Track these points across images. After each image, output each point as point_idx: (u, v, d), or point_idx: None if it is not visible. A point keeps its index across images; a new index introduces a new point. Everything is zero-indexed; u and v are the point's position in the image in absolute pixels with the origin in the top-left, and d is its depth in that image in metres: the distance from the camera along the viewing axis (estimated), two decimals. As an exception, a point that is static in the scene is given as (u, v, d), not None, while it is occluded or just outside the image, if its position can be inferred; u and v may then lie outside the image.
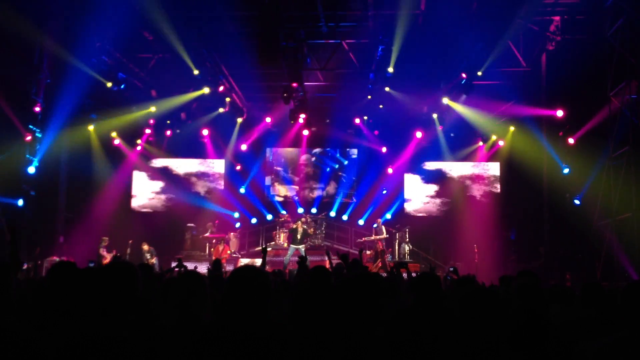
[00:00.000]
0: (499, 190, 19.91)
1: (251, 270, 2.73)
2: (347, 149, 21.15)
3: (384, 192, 20.15)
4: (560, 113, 15.61)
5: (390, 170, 20.22)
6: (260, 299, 2.61)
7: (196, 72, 16.02)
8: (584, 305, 4.45)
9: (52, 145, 15.19)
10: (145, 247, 16.21)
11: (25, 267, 12.57)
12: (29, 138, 14.52)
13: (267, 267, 10.95)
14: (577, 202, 15.21)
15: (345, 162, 21.29)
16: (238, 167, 20.61)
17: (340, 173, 21.23)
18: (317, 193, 21.04)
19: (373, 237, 17.57)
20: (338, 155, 21.21)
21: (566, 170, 15.82)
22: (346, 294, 2.70)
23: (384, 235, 17.62)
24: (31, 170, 14.52)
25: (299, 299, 2.84)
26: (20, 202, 14.13)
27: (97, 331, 2.57)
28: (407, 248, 18.11)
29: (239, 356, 2.44)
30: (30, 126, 14.59)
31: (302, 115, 17.69)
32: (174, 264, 8.74)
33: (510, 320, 3.39)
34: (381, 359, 2.72)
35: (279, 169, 21.26)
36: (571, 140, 15.73)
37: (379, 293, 2.80)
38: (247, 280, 2.65)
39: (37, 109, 14.62)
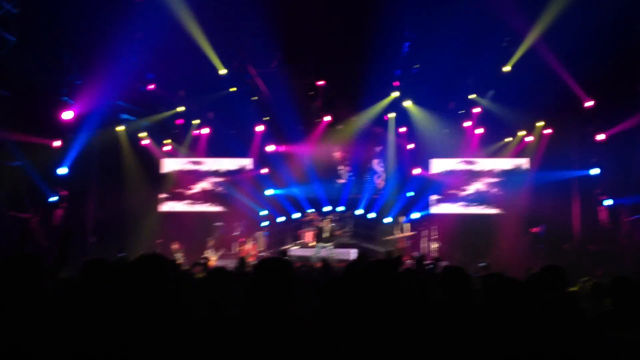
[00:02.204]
0: (528, 186, 19.65)
1: (276, 261, 2.77)
2: (374, 146, 21.05)
3: (411, 194, 20.00)
4: (589, 103, 15.39)
5: (417, 171, 20.08)
6: (285, 289, 2.64)
7: (223, 71, 16.16)
8: (614, 299, 4.40)
9: (82, 147, 15.42)
10: (175, 246, 16.42)
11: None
12: (59, 141, 14.74)
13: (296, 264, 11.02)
14: (609, 202, 14.98)
15: (372, 160, 21.20)
16: (265, 170, 20.64)
17: (367, 170, 21.15)
18: (345, 188, 20.98)
19: (398, 235, 17.51)
20: (365, 152, 21.10)
21: (595, 171, 15.61)
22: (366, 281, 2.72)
23: (409, 233, 17.56)
24: (62, 171, 14.76)
25: (327, 292, 2.87)
26: (53, 199, 14.41)
27: (131, 327, 2.63)
28: (434, 246, 18.05)
29: (265, 347, 2.47)
30: (62, 128, 14.83)
31: (329, 113, 17.71)
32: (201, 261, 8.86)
33: (537, 312, 3.38)
34: (410, 351, 2.73)
35: (305, 167, 21.26)
36: (601, 137, 15.50)
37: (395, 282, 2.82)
38: (273, 271, 2.68)
39: (69, 110, 14.85)
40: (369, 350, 2.57)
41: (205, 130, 19.97)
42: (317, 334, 2.59)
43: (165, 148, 20.21)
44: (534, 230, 17.61)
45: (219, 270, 3.76)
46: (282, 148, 20.60)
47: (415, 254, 16.90)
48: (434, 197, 20.19)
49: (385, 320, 2.69)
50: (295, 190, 20.22)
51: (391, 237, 18.08)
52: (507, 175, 19.77)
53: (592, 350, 3.38)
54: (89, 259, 4.14)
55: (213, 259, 16.03)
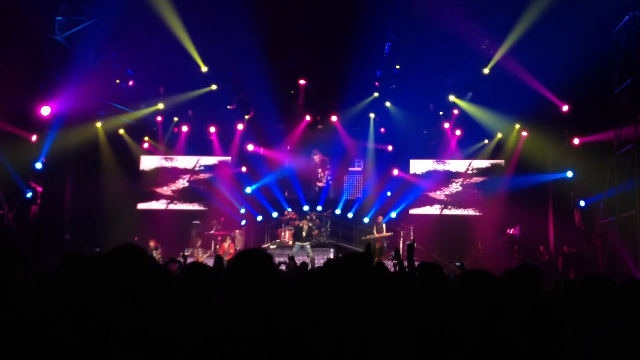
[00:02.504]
0: (503, 188, 19.85)
1: (255, 252, 2.77)
2: (354, 146, 21.10)
3: (389, 194, 20.13)
4: (565, 108, 15.62)
5: (395, 172, 20.21)
6: (264, 281, 2.64)
7: (204, 69, 16.12)
8: (584, 297, 4.49)
9: (59, 142, 15.25)
10: (152, 244, 16.34)
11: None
12: (35, 137, 14.57)
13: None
14: (582, 203, 15.22)
15: (353, 160, 21.28)
16: (244, 169, 20.63)
17: (346, 170, 21.23)
18: (324, 190, 21.03)
19: (376, 235, 17.60)
20: (345, 152, 21.16)
21: (570, 174, 15.85)
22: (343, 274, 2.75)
23: (386, 233, 17.67)
24: (38, 165, 14.60)
25: (305, 285, 2.89)
26: (29, 195, 14.25)
27: (109, 321, 2.63)
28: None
29: (244, 339, 2.49)
30: (39, 122, 14.66)
31: (310, 113, 17.76)
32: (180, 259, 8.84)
33: (511, 308, 3.45)
34: (392, 346, 2.77)
35: (285, 166, 21.26)
36: (576, 141, 15.76)
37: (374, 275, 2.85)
38: (251, 262, 2.68)
39: (46, 105, 14.67)
40: (347, 342, 2.60)
41: (185, 128, 19.87)
42: (295, 326, 2.61)
43: (144, 145, 20.08)
44: (509, 231, 17.82)
45: (197, 265, 3.76)
46: (262, 147, 20.60)
47: (391, 254, 17.00)
48: (411, 198, 20.34)
49: (362, 311, 2.73)
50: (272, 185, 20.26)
51: (369, 237, 18.13)
52: (484, 177, 19.98)
53: (564, 345, 3.46)
54: (64, 253, 4.13)
55: (201, 258, 15.98)
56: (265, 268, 2.66)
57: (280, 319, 2.59)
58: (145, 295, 2.80)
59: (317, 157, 21.10)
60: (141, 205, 20.32)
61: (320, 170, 21.26)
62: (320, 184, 21.09)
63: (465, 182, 20.33)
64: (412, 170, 20.57)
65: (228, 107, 18.64)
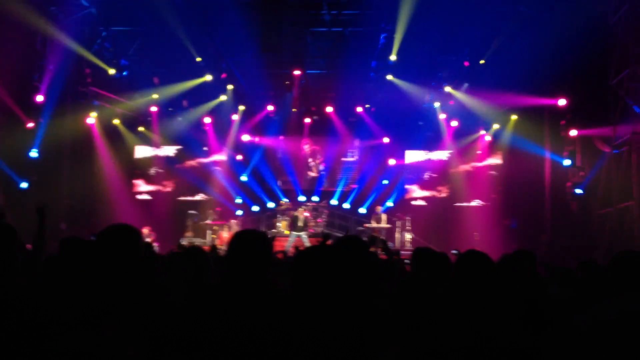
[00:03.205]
0: (500, 179, 19.86)
1: (251, 232, 2.78)
2: (350, 137, 21.11)
3: (385, 182, 20.17)
4: (562, 102, 15.57)
5: (392, 161, 20.24)
6: (262, 258, 2.66)
7: (198, 59, 16.06)
8: (581, 283, 4.50)
9: (54, 132, 15.18)
10: (146, 231, 16.32)
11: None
12: (31, 124, 14.52)
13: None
14: (579, 191, 15.21)
15: (347, 151, 21.30)
16: (239, 157, 20.66)
17: (342, 160, 21.24)
18: (318, 181, 21.05)
19: (374, 225, 17.61)
20: (340, 143, 21.17)
21: (567, 162, 15.83)
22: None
23: (385, 224, 17.68)
24: (33, 154, 14.54)
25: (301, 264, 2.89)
26: (25, 185, 14.20)
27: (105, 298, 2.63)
28: (408, 237, 18.22)
29: (243, 315, 2.49)
30: (33, 112, 14.60)
31: (304, 104, 17.74)
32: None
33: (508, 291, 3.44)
34: (384, 327, 2.76)
35: (280, 157, 21.26)
36: (573, 131, 15.72)
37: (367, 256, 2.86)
38: (250, 240, 2.70)
39: (40, 95, 14.59)
40: (340, 320, 2.60)
41: (180, 119, 19.79)
42: (292, 304, 2.61)
43: (139, 135, 20.03)
44: (506, 222, 17.85)
45: (194, 247, 3.77)
46: (257, 138, 20.61)
47: (390, 244, 17.02)
48: (407, 187, 20.38)
49: (355, 291, 2.73)
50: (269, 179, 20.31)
51: (366, 226, 18.14)
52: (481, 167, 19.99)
53: (557, 330, 3.46)
54: (64, 238, 4.23)
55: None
56: (263, 246, 2.69)
57: (278, 296, 2.60)
58: (138, 273, 2.81)
59: (307, 147, 21.13)
60: (136, 194, 20.31)
61: (311, 160, 21.27)
62: (312, 174, 21.10)
63: (462, 173, 20.29)
64: (407, 161, 20.59)
65: (223, 97, 18.59)
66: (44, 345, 2.53)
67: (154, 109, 19.06)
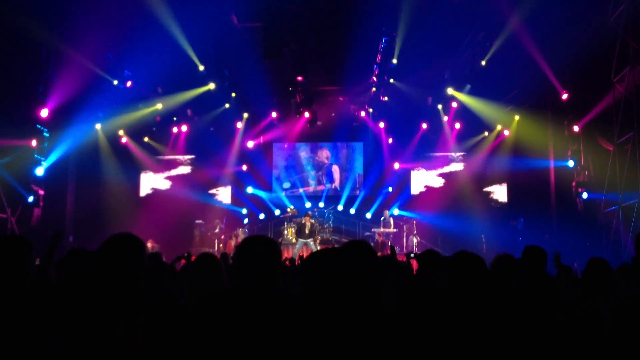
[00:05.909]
0: (505, 180, 19.83)
1: (260, 238, 2.81)
2: (354, 142, 21.14)
3: (390, 189, 20.17)
4: (564, 96, 15.59)
5: (397, 165, 20.24)
6: (271, 264, 2.68)
7: (201, 68, 16.12)
8: (589, 280, 4.46)
9: (59, 145, 15.27)
10: (149, 244, 16.27)
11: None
12: (35, 141, 14.52)
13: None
14: (585, 195, 15.16)
15: (352, 156, 21.32)
16: (244, 167, 20.68)
17: (347, 166, 21.26)
18: (324, 187, 21.07)
19: (382, 230, 17.62)
20: (344, 148, 21.22)
21: (571, 164, 15.81)
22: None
23: (392, 229, 17.69)
24: (39, 172, 14.55)
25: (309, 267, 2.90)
26: (31, 199, 14.23)
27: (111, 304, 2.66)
28: (415, 240, 18.21)
29: (251, 320, 2.51)
30: (38, 126, 14.65)
31: (308, 110, 17.78)
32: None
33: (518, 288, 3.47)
34: (390, 332, 2.78)
35: (285, 164, 21.30)
36: (576, 128, 15.70)
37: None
38: (257, 246, 2.72)
39: (45, 108, 14.63)
40: (349, 325, 2.62)
41: (184, 128, 19.84)
42: (301, 310, 2.63)
43: (144, 145, 20.09)
44: (513, 223, 17.81)
45: (206, 254, 3.80)
46: (261, 144, 20.66)
47: (397, 248, 17.01)
48: (413, 192, 20.39)
49: (363, 291, 2.76)
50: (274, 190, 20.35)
51: (374, 230, 18.15)
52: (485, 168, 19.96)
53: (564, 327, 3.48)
54: (71, 248, 4.31)
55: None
56: (271, 251, 2.71)
57: (287, 302, 2.62)
58: (144, 280, 2.85)
59: (311, 153, 21.19)
60: (142, 205, 20.31)
61: (315, 166, 21.30)
62: (317, 180, 21.16)
63: (466, 175, 20.27)
64: (413, 164, 20.59)
65: (226, 105, 18.65)
66: (54, 350, 2.57)
67: (158, 119, 19.08)
